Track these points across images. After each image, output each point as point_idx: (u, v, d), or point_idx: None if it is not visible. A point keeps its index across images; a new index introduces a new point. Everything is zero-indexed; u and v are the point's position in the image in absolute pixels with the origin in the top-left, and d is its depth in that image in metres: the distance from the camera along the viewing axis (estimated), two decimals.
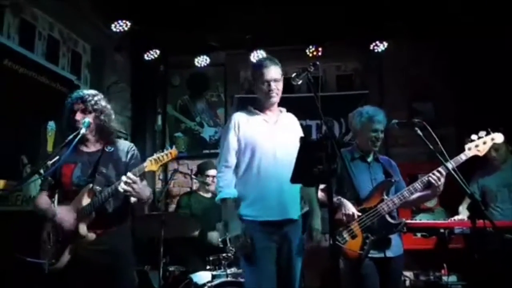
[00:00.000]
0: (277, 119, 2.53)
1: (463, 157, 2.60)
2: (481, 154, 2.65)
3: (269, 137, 2.44)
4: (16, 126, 3.32)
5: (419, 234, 3.79)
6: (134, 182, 2.20)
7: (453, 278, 3.69)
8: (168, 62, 5.39)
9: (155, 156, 2.28)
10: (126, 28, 4.40)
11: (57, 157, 2.29)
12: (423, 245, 3.98)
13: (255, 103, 2.56)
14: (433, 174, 2.56)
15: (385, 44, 4.70)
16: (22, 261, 2.36)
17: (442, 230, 3.01)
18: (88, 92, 2.47)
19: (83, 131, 2.33)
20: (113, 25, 4.38)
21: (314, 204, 2.51)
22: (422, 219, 3.56)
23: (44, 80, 3.66)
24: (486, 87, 4.37)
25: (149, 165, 2.26)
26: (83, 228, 2.29)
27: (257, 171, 2.38)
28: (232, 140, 2.45)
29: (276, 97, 2.48)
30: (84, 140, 2.42)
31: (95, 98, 2.44)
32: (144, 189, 2.32)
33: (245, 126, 2.46)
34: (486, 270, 2.53)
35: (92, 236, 2.31)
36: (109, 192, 2.27)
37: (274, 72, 2.45)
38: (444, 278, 3.72)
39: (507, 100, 4.12)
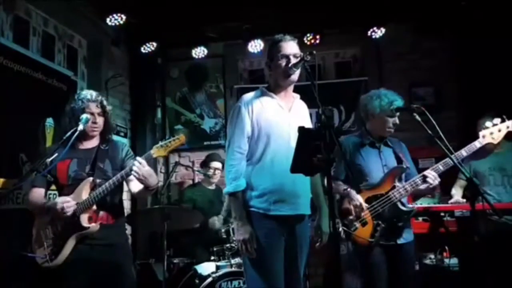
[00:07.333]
0: (291, 105, 2.35)
1: (477, 144, 2.57)
2: (495, 142, 2.62)
3: (285, 125, 2.26)
4: (15, 124, 3.31)
5: (420, 218, 3.80)
6: (144, 166, 2.22)
7: (454, 261, 3.71)
8: (166, 55, 5.36)
9: (161, 143, 2.29)
10: (121, 22, 4.37)
11: (56, 154, 2.29)
12: (423, 229, 3.98)
13: (269, 85, 2.36)
14: (429, 173, 2.51)
15: (383, 30, 4.67)
16: (22, 258, 2.37)
17: (442, 214, 3.00)
18: (99, 94, 2.51)
19: (81, 127, 2.35)
20: (108, 19, 4.34)
21: (321, 199, 2.39)
22: (422, 203, 3.57)
23: (41, 76, 3.64)
24: (488, 71, 4.32)
25: (156, 151, 2.27)
26: (84, 220, 2.31)
27: (270, 161, 2.20)
28: (246, 124, 2.23)
29: (295, 75, 2.25)
30: (81, 137, 2.43)
31: (105, 100, 2.51)
32: (152, 175, 2.31)
33: (259, 110, 2.25)
34: (485, 252, 2.54)
35: (96, 226, 2.32)
36: (112, 182, 2.29)
37: (293, 46, 2.27)
38: (446, 260, 3.74)
39: (508, 84, 4.09)
